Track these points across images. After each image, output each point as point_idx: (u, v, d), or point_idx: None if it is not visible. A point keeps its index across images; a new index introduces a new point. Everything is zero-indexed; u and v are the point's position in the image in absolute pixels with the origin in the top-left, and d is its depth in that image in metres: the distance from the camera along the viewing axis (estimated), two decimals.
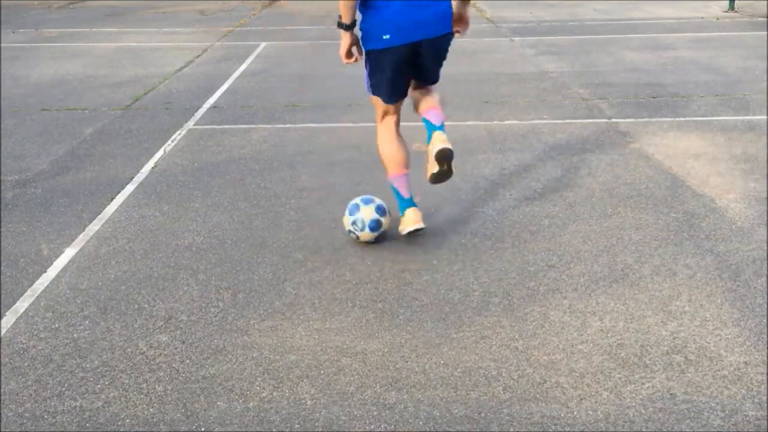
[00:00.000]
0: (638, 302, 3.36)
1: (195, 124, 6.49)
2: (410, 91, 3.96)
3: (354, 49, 3.74)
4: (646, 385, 2.76)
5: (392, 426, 2.57)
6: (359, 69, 4.01)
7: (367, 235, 3.95)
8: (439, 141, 3.80)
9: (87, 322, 3.29)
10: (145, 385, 2.83)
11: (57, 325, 3.27)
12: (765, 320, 3.18)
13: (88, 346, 3.10)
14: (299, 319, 3.28)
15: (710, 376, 2.81)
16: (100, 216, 4.47)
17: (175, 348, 3.07)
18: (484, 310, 3.32)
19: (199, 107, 7.07)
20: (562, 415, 2.60)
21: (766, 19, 12.01)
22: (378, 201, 3.99)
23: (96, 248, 4.04)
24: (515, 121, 6.36)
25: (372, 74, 3.79)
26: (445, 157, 3.80)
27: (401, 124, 3.99)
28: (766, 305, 3.30)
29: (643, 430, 2.53)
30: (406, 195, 3.91)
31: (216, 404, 2.71)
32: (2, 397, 2.77)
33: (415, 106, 3.99)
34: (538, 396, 2.71)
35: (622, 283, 3.54)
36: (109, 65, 9.37)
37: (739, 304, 3.32)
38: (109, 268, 3.80)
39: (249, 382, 2.84)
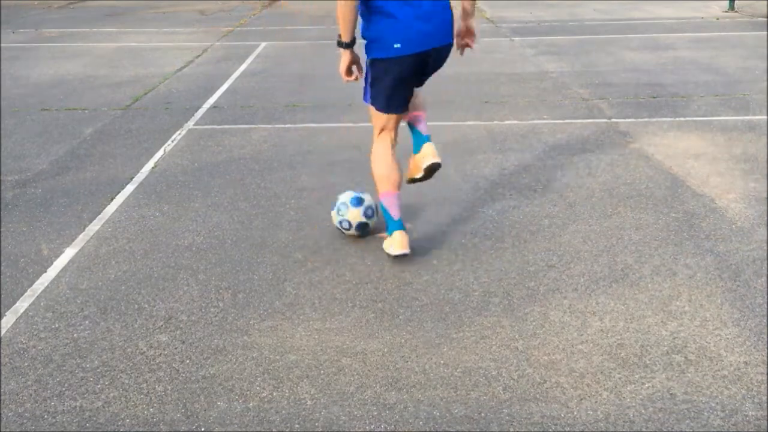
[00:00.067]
0: (638, 302, 3.36)
1: (195, 124, 6.49)
2: None
3: (354, 68, 3.67)
4: (646, 385, 2.76)
5: (392, 426, 2.57)
6: None
7: (353, 233, 4.03)
8: (431, 155, 3.83)
9: (87, 322, 3.29)
10: (145, 385, 2.83)
11: (57, 325, 3.27)
12: (765, 320, 3.18)
13: (88, 346, 3.10)
14: (299, 319, 3.29)
15: (710, 376, 2.81)
16: (100, 216, 4.47)
17: (175, 348, 3.07)
18: (484, 310, 3.32)
19: (199, 107, 7.07)
20: (562, 415, 2.60)
21: (766, 19, 12.01)
22: (367, 201, 4.02)
23: (96, 248, 4.04)
24: (515, 121, 6.36)
25: (374, 83, 3.68)
26: (434, 170, 3.89)
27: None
28: (766, 305, 3.30)
29: (643, 430, 2.53)
30: (396, 216, 3.77)
31: (216, 404, 2.71)
32: (2, 397, 2.77)
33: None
34: (538, 396, 2.71)
35: (622, 283, 3.54)
36: (109, 65, 9.37)
37: (739, 304, 3.32)
38: (109, 268, 3.80)
39: (249, 382, 2.84)
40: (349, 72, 3.68)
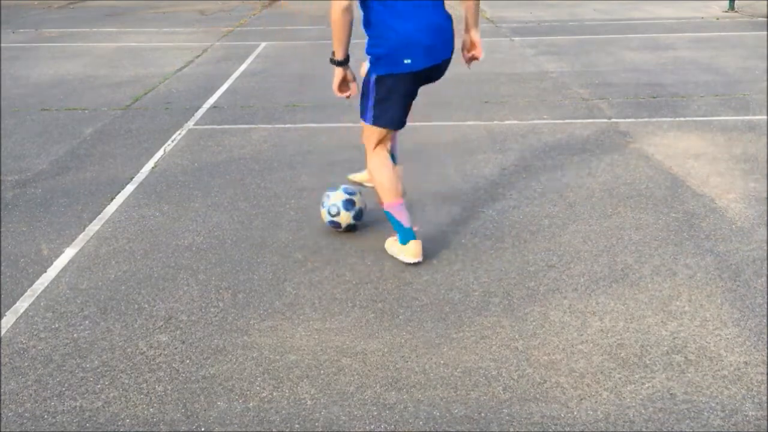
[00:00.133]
0: (638, 302, 3.36)
1: (195, 124, 6.49)
2: None
3: (352, 84, 3.65)
4: (646, 385, 2.76)
5: (392, 426, 2.57)
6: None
7: (345, 216, 4.06)
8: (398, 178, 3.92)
9: (87, 322, 3.29)
10: (145, 385, 2.83)
11: (57, 325, 3.27)
12: (765, 320, 3.18)
13: (88, 346, 3.10)
14: (299, 319, 3.29)
15: (710, 376, 2.81)
16: (100, 216, 4.47)
17: (175, 348, 3.07)
18: (484, 310, 3.32)
19: (199, 107, 7.07)
20: (562, 415, 2.60)
21: (766, 19, 12.01)
22: (358, 204, 4.09)
23: (96, 248, 4.04)
24: (515, 121, 6.36)
25: (380, 102, 3.61)
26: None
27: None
28: (766, 305, 3.30)
29: (643, 430, 2.53)
30: (407, 224, 3.75)
31: (216, 404, 2.71)
32: (2, 397, 2.77)
33: None
34: (538, 396, 2.71)
35: (622, 283, 3.54)
36: (109, 65, 9.37)
37: (739, 304, 3.32)
38: (109, 268, 3.80)
39: (249, 382, 2.84)
40: (342, 88, 3.66)
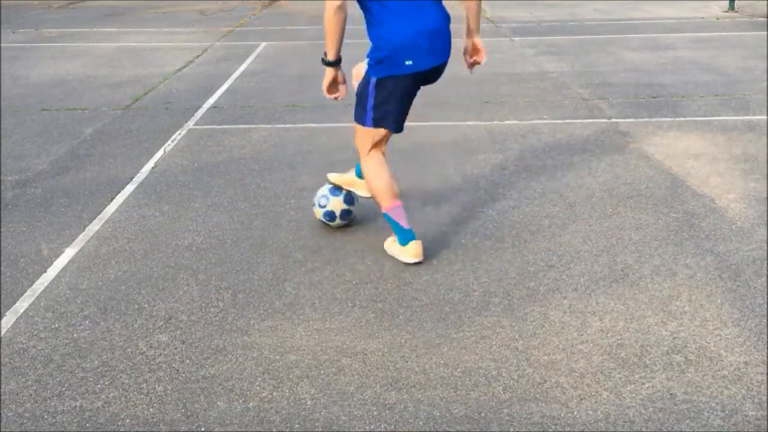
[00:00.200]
0: (638, 302, 3.36)
1: (195, 124, 6.49)
2: None
3: (341, 87, 3.64)
4: (646, 385, 2.76)
5: (392, 426, 2.57)
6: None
7: (335, 202, 4.11)
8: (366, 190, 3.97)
9: (87, 322, 3.29)
10: (145, 385, 2.83)
11: (57, 325, 3.27)
12: (765, 320, 3.18)
13: (88, 346, 3.10)
14: (299, 319, 3.28)
15: (710, 376, 2.81)
16: (100, 216, 4.47)
17: (175, 348, 3.07)
18: (484, 310, 3.32)
19: (199, 107, 7.07)
20: (562, 415, 2.60)
21: (766, 19, 12.01)
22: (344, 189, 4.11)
23: (96, 248, 4.04)
24: (515, 121, 6.36)
25: (379, 105, 3.60)
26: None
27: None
28: (766, 305, 3.30)
29: (643, 430, 2.53)
30: (406, 225, 3.75)
31: (216, 404, 2.71)
32: (2, 397, 2.77)
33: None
34: (538, 396, 2.71)
35: (622, 283, 3.54)
36: (109, 65, 9.37)
37: (739, 304, 3.32)
38: (109, 268, 3.80)
39: (249, 382, 2.84)
40: (331, 89, 3.65)
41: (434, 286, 3.55)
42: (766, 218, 4.23)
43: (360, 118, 3.70)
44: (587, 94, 7.30)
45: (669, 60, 8.93)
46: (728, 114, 6.46)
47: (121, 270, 3.78)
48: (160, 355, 3.03)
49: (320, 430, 2.57)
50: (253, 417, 2.64)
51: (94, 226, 4.32)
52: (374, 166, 3.75)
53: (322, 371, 2.89)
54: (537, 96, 7.27)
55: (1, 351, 3.08)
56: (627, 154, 5.42)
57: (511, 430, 2.54)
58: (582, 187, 4.78)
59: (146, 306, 3.42)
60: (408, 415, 2.62)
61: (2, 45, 10.86)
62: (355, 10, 3.57)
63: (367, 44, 3.58)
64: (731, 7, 13.36)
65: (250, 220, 4.39)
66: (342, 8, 3.41)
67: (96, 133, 6.26)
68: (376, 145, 3.74)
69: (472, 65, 3.93)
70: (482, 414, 2.62)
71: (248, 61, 9.49)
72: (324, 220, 4.16)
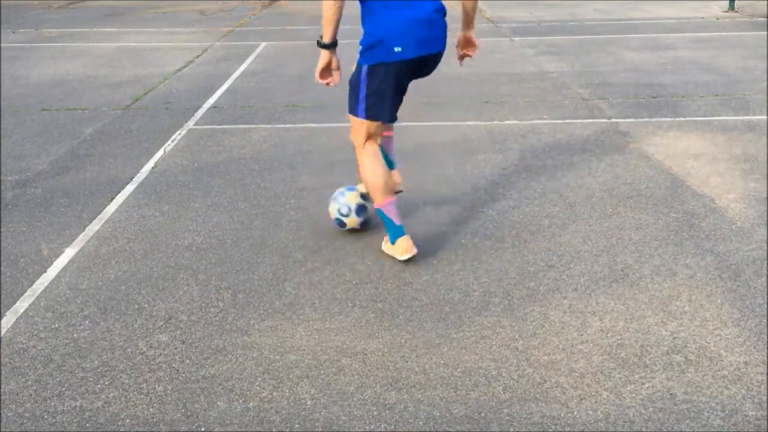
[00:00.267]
0: (638, 302, 3.36)
1: (195, 124, 6.49)
2: None
3: (335, 73, 3.61)
4: (646, 385, 2.76)
5: (392, 426, 2.57)
6: None
7: (353, 220, 4.04)
8: (396, 182, 3.90)
9: (87, 322, 3.29)
10: (145, 385, 2.83)
11: (57, 325, 3.27)
12: (765, 320, 3.18)
13: (88, 346, 3.10)
14: (299, 319, 3.28)
15: (710, 376, 2.81)
16: (100, 216, 4.47)
17: (175, 348, 3.07)
18: (484, 310, 3.32)
19: (199, 107, 7.07)
20: (562, 415, 2.60)
21: (766, 19, 12.01)
22: (360, 187, 4.07)
23: (96, 248, 4.04)
24: (515, 121, 6.36)
25: (371, 93, 3.59)
26: (396, 194, 3.93)
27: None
28: (766, 305, 3.30)
29: (643, 430, 2.53)
30: (397, 222, 3.74)
31: (216, 404, 2.71)
32: (2, 397, 2.77)
33: None
34: (538, 396, 2.71)
35: (622, 283, 3.54)
36: (109, 65, 9.37)
37: (739, 304, 3.32)
38: (109, 268, 3.80)
39: (249, 382, 2.84)
40: (324, 74, 3.62)
41: (434, 286, 3.55)
42: (766, 218, 4.23)
43: (353, 109, 3.69)
44: (587, 94, 7.30)
45: (669, 60, 8.93)
46: (728, 114, 6.46)
47: (121, 270, 3.78)
48: (160, 355, 3.03)
49: (320, 430, 2.57)
50: (253, 417, 2.64)
51: (94, 226, 4.32)
52: (369, 159, 3.73)
53: (322, 371, 2.89)
54: (537, 96, 7.27)
55: (1, 351, 3.08)
56: (627, 154, 5.42)
57: (511, 430, 2.54)
58: (582, 187, 4.78)
59: (146, 306, 3.42)
60: (408, 415, 2.63)
61: (2, 45, 10.86)
62: (354, 9, 3.58)
63: None
64: (731, 7, 13.36)
65: (250, 220, 4.39)
66: None
67: (96, 133, 6.26)
68: (371, 137, 3.73)
69: (462, 57, 3.96)
70: (482, 414, 2.62)
71: (248, 61, 9.49)
72: (334, 221, 4.08)
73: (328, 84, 3.66)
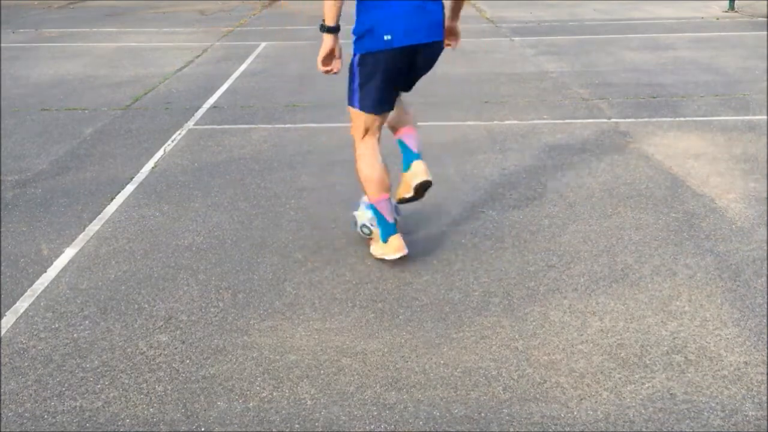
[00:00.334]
0: (638, 302, 3.36)
1: (195, 124, 6.49)
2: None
3: (336, 61, 3.54)
4: (646, 385, 2.76)
5: (392, 426, 2.57)
6: None
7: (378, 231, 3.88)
8: (422, 173, 3.74)
9: (87, 322, 3.29)
10: (145, 385, 2.83)
11: (57, 325, 3.27)
12: (765, 320, 3.18)
13: (88, 346, 3.10)
14: (299, 319, 3.28)
15: (710, 376, 2.81)
16: (100, 216, 4.47)
17: (175, 348, 3.07)
18: (484, 310, 3.32)
19: (199, 107, 7.07)
20: (562, 415, 2.60)
21: (766, 19, 12.01)
22: (393, 201, 3.90)
23: (96, 248, 4.04)
24: (515, 121, 6.36)
25: (363, 83, 3.55)
26: (425, 188, 3.78)
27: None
28: (766, 305, 3.30)
29: (643, 430, 2.53)
30: (390, 220, 3.69)
31: (216, 404, 2.71)
32: (2, 397, 2.77)
33: (391, 126, 3.84)
34: (538, 396, 2.71)
35: (622, 283, 3.54)
36: (109, 65, 9.37)
37: (739, 304, 3.32)
38: (109, 268, 3.80)
39: (249, 382, 2.84)
40: (327, 61, 3.53)
41: (434, 286, 3.55)
42: (766, 218, 4.23)
43: (350, 99, 3.66)
44: (587, 94, 7.30)
45: (669, 60, 8.93)
46: (728, 114, 6.46)
47: (121, 270, 3.78)
48: (160, 355, 3.03)
49: (320, 430, 2.57)
50: (253, 417, 2.64)
51: (94, 226, 4.32)
52: (367, 153, 3.69)
53: (322, 371, 2.89)
54: (537, 96, 7.27)
55: (1, 351, 3.08)
56: (627, 154, 5.42)
57: (511, 430, 2.54)
58: (582, 187, 4.78)
59: (146, 306, 3.42)
60: (408, 415, 2.63)
61: (2, 45, 10.86)
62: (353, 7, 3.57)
63: None
64: (731, 7, 13.36)
65: (250, 220, 4.39)
66: None
67: (96, 133, 6.26)
68: (369, 131, 3.68)
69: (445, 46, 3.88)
70: (482, 414, 2.62)
71: (248, 61, 9.49)
72: (367, 224, 3.89)
73: (328, 72, 3.59)
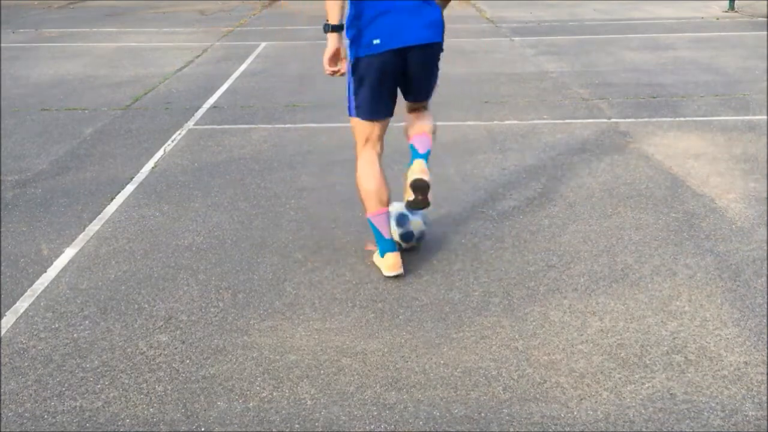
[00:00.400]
0: (638, 302, 3.36)
1: (195, 124, 6.49)
2: (404, 113, 3.77)
3: (342, 61, 3.44)
4: (646, 385, 2.76)
5: (392, 426, 2.57)
6: None
7: (412, 244, 3.84)
8: (418, 170, 3.59)
9: (87, 322, 3.29)
10: (145, 385, 2.83)
11: (57, 325, 3.27)
12: (765, 320, 3.18)
13: (88, 346, 3.10)
14: (299, 319, 3.28)
15: (710, 376, 2.81)
16: (100, 216, 4.47)
17: (175, 348, 3.07)
18: (484, 310, 3.32)
19: (199, 107, 7.07)
20: (562, 415, 2.60)
21: (766, 19, 12.01)
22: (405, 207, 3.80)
23: (96, 248, 4.04)
24: (515, 121, 6.36)
25: (357, 89, 3.51)
26: (419, 187, 3.58)
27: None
28: (766, 305, 3.30)
29: (643, 430, 2.53)
30: (387, 235, 3.61)
31: (216, 404, 2.71)
32: (2, 397, 2.77)
33: (406, 131, 3.78)
34: (538, 396, 2.71)
35: (622, 283, 3.54)
36: (109, 65, 9.37)
37: (739, 304, 3.32)
38: (109, 268, 3.80)
39: (249, 382, 2.84)
40: (333, 60, 3.42)
41: (434, 286, 3.55)
42: (766, 218, 4.23)
43: (348, 107, 3.62)
44: (587, 94, 7.30)
45: (669, 60, 8.93)
46: (728, 114, 6.46)
47: (121, 270, 3.78)
48: (160, 355, 3.03)
49: (320, 430, 2.57)
50: (253, 417, 2.64)
51: (94, 226, 4.32)
52: (365, 165, 3.63)
53: (322, 371, 2.89)
54: (537, 96, 7.27)
55: (1, 351, 3.08)
56: (627, 154, 5.42)
57: (511, 430, 2.54)
58: (582, 187, 4.78)
59: (146, 306, 3.42)
60: (408, 415, 2.62)
61: (2, 45, 10.86)
62: None
63: None
64: (731, 7, 13.36)
65: (250, 220, 4.39)
66: None
67: (96, 133, 6.26)
68: (369, 140, 3.62)
69: None
70: (482, 414, 2.62)
71: (248, 61, 9.49)
72: (400, 241, 3.79)
73: (335, 73, 3.48)
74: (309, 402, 2.71)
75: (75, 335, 3.18)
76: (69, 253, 3.98)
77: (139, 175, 5.19)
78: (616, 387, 2.75)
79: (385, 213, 3.63)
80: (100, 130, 6.35)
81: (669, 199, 4.55)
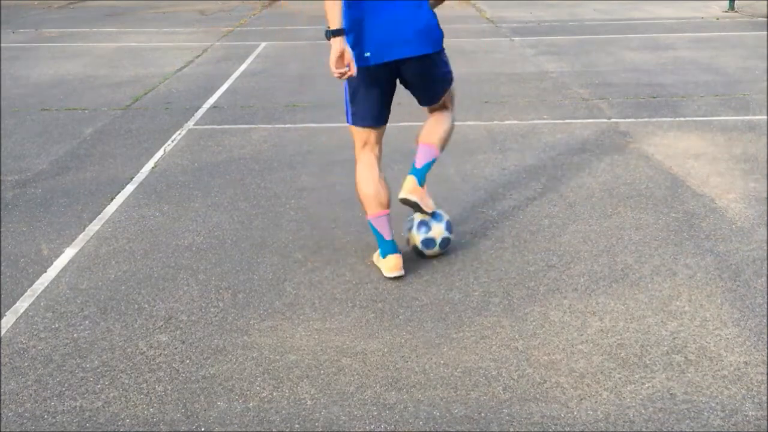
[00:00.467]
0: (638, 302, 3.36)
1: (195, 124, 6.49)
2: (428, 114, 3.81)
3: (350, 63, 3.35)
4: (646, 385, 2.76)
5: (392, 426, 2.57)
6: None
7: (435, 251, 3.80)
8: (408, 189, 3.60)
9: (87, 322, 3.29)
10: (145, 385, 2.83)
11: (57, 325, 3.27)
12: (765, 320, 3.18)
13: (88, 346, 3.10)
14: (299, 319, 3.28)
15: (710, 376, 2.81)
16: (100, 216, 4.47)
17: (175, 348, 3.07)
18: (484, 310, 3.32)
19: (199, 107, 7.08)
20: (562, 415, 2.60)
21: (766, 19, 12.01)
22: (444, 215, 3.81)
23: (96, 248, 4.04)
24: (515, 121, 6.36)
25: (352, 97, 3.53)
26: (409, 205, 3.64)
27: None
28: (766, 305, 3.30)
29: (643, 430, 2.53)
30: (387, 237, 3.60)
31: (216, 404, 2.71)
32: (2, 397, 2.77)
33: (418, 134, 3.79)
34: (538, 396, 2.71)
35: (622, 283, 3.54)
36: (109, 65, 9.37)
37: (739, 304, 3.32)
38: (109, 268, 3.80)
39: (249, 382, 2.84)
40: (339, 64, 3.33)
41: (434, 286, 3.55)
42: (766, 218, 4.23)
43: (346, 113, 3.64)
44: (587, 94, 7.30)
45: (669, 60, 8.93)
46: (728, 114, 6.46)
47: (121, 270, 3.78)
48: (160, 355, 3.03)
49: (320, 430, 2.57)
50: (253, 417, 2.64)
51: (94, 226, 4.32)
52: (364, 169, 3.64)
53: (322, 371, 2.89)
54: (537, 96, 7.27)
55: (1, 351, 3.08)
56: (627, 154, 5.42)
57: (511, 430, 2.54)
58: (582, 187, 4.78)
59: (146, 306, 3.42)
60: (408, 415, 2.62)
61: (2, 45, 10.86)
62: None
63: None
64: (731, 7, 13.36)
65: (250, 220, 4.39)
66: None
67: (96, 133, 6.26)
68: (367, 145, 3.63)
69: None
70: (482, 414, 2.62)
71: (248, 61, 9.49)
72: (421, 247, 3.77)
73: (343, 75, 3.38)
74: (309, 402, 2.71)
75: (75, 335, 3.18)
76: (69, 253, 3.98)
77: (139, 175, 5.19)
78: (616, 387, 2.75)
79: (386, 215, 3.64)
80: (100, 130, 6.35)
81: (669, 199, 4.55)
